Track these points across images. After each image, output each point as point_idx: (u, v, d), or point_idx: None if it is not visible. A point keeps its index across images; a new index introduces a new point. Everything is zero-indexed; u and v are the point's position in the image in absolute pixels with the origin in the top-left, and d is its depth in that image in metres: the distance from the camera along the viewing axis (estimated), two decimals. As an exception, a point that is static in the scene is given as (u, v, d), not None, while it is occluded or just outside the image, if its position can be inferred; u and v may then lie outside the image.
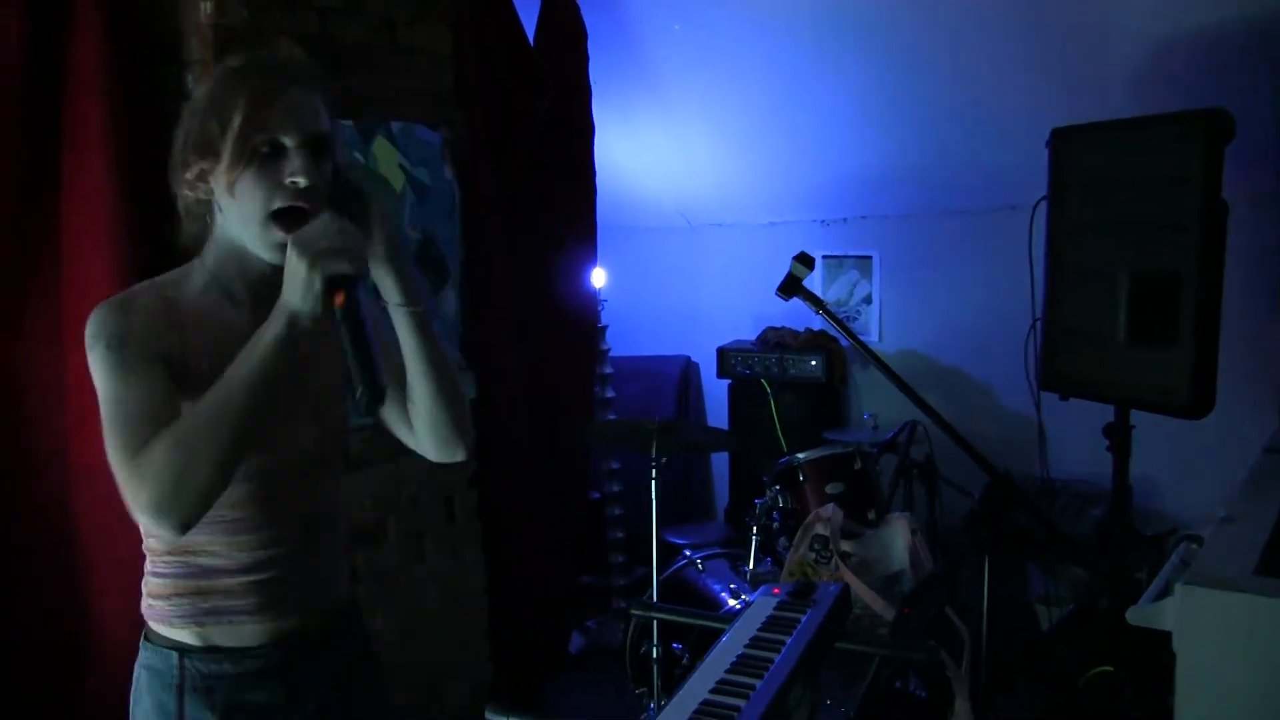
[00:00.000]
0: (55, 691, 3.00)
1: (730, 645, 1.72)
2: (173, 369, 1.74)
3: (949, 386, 5.14)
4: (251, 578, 1.87)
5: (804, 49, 4.59)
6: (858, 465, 4.14)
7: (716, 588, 4.05)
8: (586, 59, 4.48)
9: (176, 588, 1.86)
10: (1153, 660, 2.82)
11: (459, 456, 2.02)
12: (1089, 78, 4.13)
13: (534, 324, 4.38)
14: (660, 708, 1.56)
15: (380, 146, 3.38)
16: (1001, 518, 2.57)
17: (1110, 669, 3.22)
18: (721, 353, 5.57)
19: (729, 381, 5.63)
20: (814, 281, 5.34)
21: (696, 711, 1.49)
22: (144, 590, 1.91)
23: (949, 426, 2.64)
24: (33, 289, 2.89)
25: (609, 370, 5.48)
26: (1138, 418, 3.62)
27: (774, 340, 5.49)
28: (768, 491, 4.19)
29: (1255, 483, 2.79)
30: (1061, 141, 3.62)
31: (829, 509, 3.76)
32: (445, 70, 3.68)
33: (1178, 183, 3.25)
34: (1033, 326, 4.01)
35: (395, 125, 3.44)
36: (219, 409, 1.64)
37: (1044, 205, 3.70)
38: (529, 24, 4.24)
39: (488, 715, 1.78)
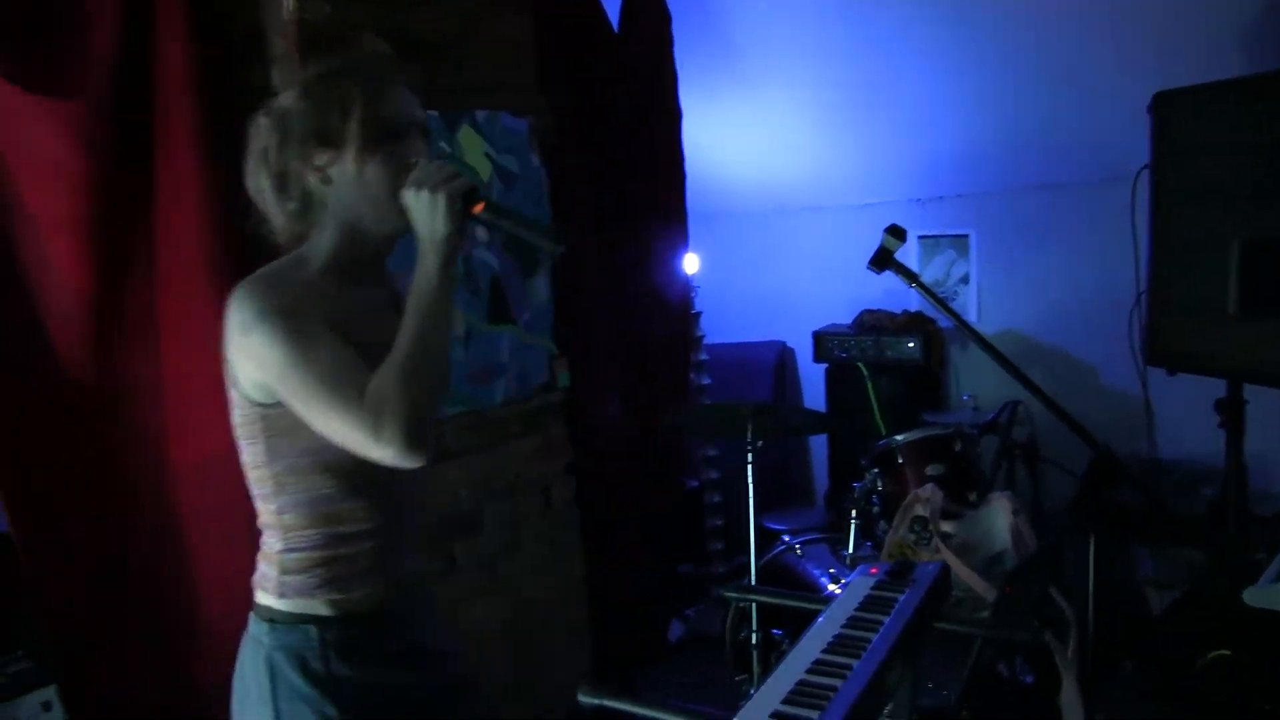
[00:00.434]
0: (171, 681, 3.07)
1: (827, 626, 1.70)
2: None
3: (1051, 366, 5.03)
4: (372, 544, 1.98)
5: (895, 23, 4.52)
6: (958, 447, 4.06)
7: (816, 572, 4.00)
8: (671, 43, 4.45)
9: (316, 559, 1.95)
10: (1273, 644, 2.73)
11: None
12: (1195, 37, 3.98)
13: (626, 311, 4.37)
14: (758, 692, 1.54)
15: (466, 135, 3.39)
16: (1105, 495, 2.49)
17: (1228, 653, 3.12)
18: (817, 337, 5.51)
19: (825, 366, 5.57)
20: (910, 263, 5.26)
21: (792, 692, 1.48)
22: (272, 572, 1.97)
23: (1047, 398, 2.56)
24: (128, 289, 2.95)
25: (704, 357, 5.46)
26: (1251, 392, 3.50)
27: (870, 323, 5.42)
28: (866, 475, 4.13)
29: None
30: (1165, 105, 3.51)
31: (928, 489, 3.69)
32: (529, 59, 3.68)
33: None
34: (1137, 301, 3.90)
35: (480, 114, 3.44)
36: (421, 343, 1.79)
37: (1146, 174, 3.58)
38: (612, 10, 4.22)
39: (580, 698, 1.76)
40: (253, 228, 2.02)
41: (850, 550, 3.97)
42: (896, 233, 2.65)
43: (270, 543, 1.99)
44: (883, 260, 2.64)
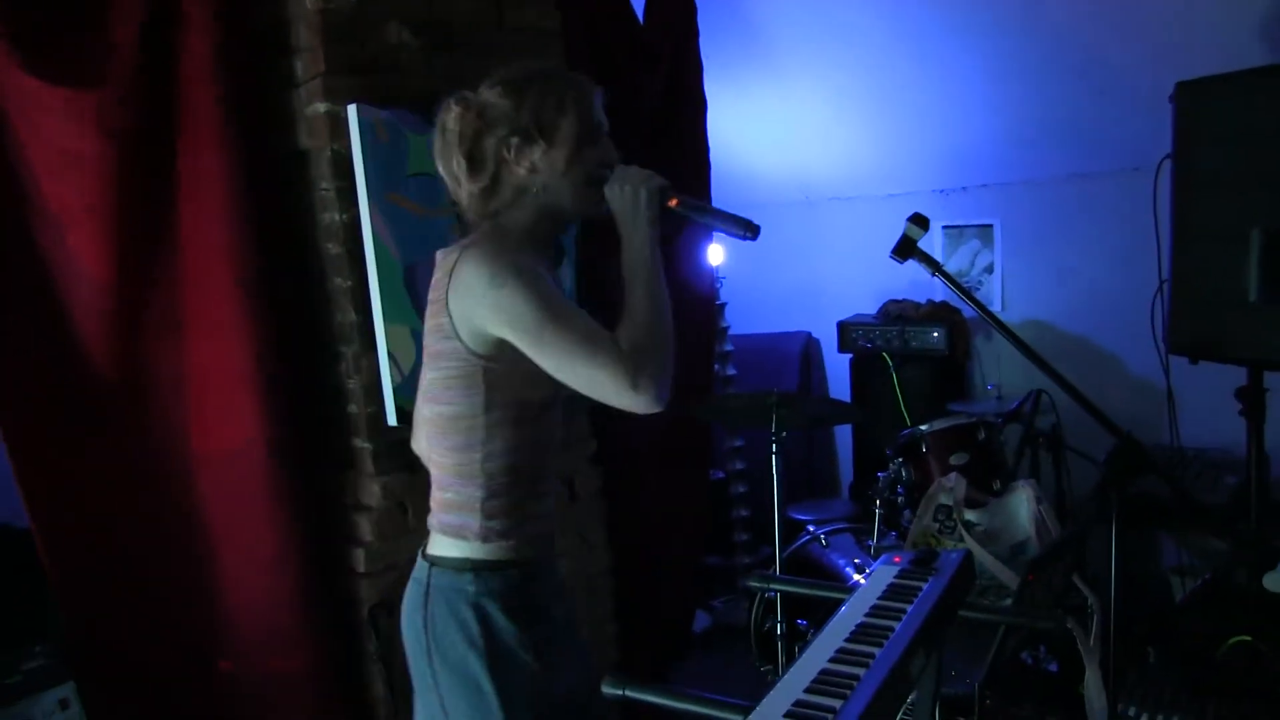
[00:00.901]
0: (192, 673, 3.09)
1: (850, 614, 1.71)
2: None
3: (1075, 355, 5.02)
4: (550, 492, 2.26)
5: (920, 14, 4.51)
6: (981, 436, 4.07)
7: (841, 562, 4.03)
8: (697, 34, 4.45)
9: (517, 505, 2.17)
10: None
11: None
12: (1216, 27, 3.98)
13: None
14: (783, 681, 1.56)
15: (490, 127, 3.39)
16: (1128, 482, 2.50)
17: (1249, 638, 3.13)
18: (842, 327, 5.52)
19: (850, 356, 5.58)
20: (935, 253, 5.26)
21: (816, 681, 1.48)
22: (474, 521, 2.14)
23: (1070, 386, 2.57)
24: (152, 282, 2.96)
25: (729, 348, 5.48)
26: (1273, 380, 3.50)
27: (895, 313, 5.43)
28: (891, 464, 4.15)
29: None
30: (1186, 95, 3.51)
31: (952, 478, 3.70)
32: (554, 49, 3.67)
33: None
34: (1159, 290, 3.89)
35: (505, 105, 3.44)
36: (658, 305, 2.08)
37: (1168, 164, 3.58)
38: (638, 2, 4.23)
39: (603, 689, 1.79)
40: (450, 206, 2.30)
41: (875, 540, 4.00)
42: (920, 221, 2.65)
43: (470, 492, 2.14)
44: (906, 249, 2.65)
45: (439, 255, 2.17)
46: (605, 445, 3.90)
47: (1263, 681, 2.93)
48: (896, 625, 1.64)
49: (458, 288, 2.05)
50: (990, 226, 5.37)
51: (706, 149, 4.56)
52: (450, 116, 2.16)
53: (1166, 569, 4.32)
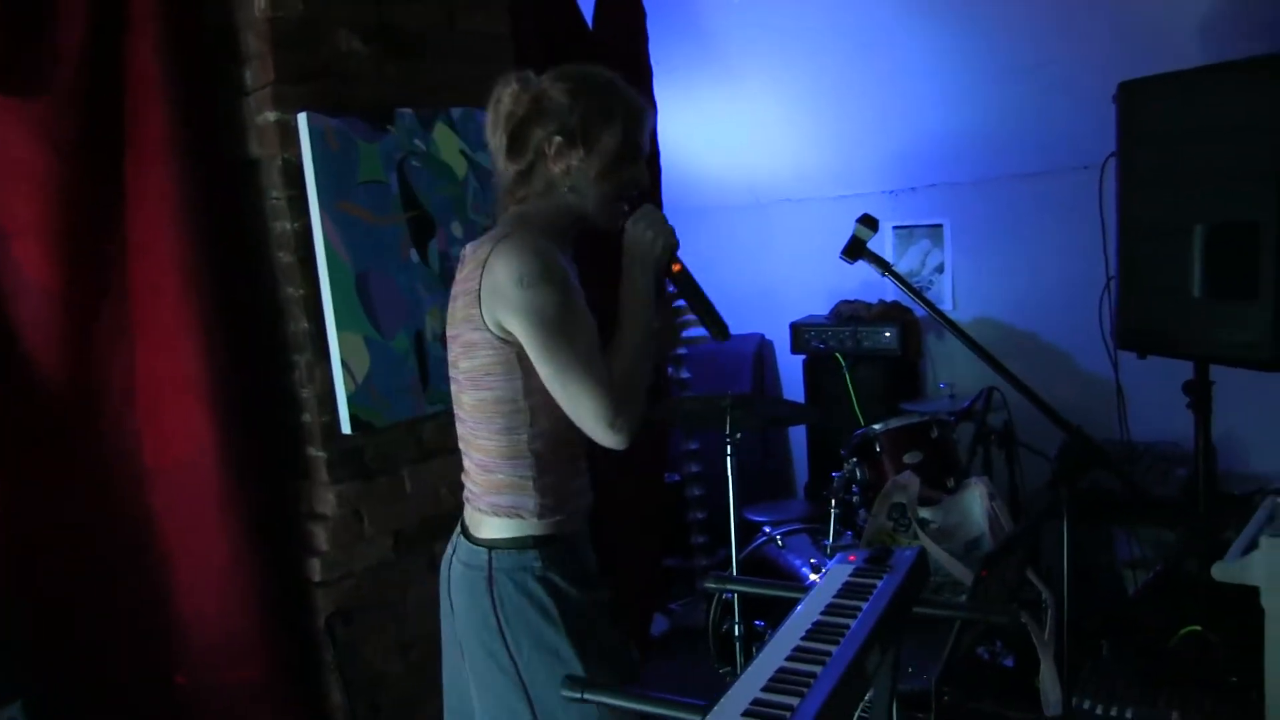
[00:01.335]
0: (147, 686, 3.05)
1: (806, 613, 1.72)
2: None
3: (1025, 352, 5.06)
4: (587, 468, 2.36)
5: (867, 19, 4.54)
6: (934, 434, 4.11)
7: (797, 563, 4.05)
8: (646, 39, 4.47)
9: (564, 481, 2.27)
10: (1242, 618, 2.78)
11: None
12: (1157, 29, 4.04)
13: (602, 306, 4.38)
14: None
15: (441, 133, 3.39)
16: (1079, 476, 2.53)
17: (1199, 629, 3.17)
18: (795, 328, 5.54)
19: (804, 357, 5.60)
20: (886, 253, 5.29)
21: (773, 679, 1.49)
22: (530, 501, 2.23)
23: (1020, 383, 2.60)
24: (101, 291, 2.93)
25: (683, 351, 5.48)
26: (1219, 374, 3.55)
27: (847, 314, 5.45)
28: (845, 464, 4.17)
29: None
30: (1129, 95, 3.56)
31: (905, 476, 3.73)
32: (505, 55, 3.66)
33: (1254, 131, 3.18)
34: (1107, 286, 3.95)
35: (455, 111, 3.43)
36: (644, 350, 2.22)
37: (1113, 162, 3.63)
38: (586, 6, 4.24)
39: (563, 692, 1.80)
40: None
41: (831, 540, 4.01)
42: (869, 222, 2.68)
43: (522, 473, 2.22)
44: (855, 250, 2.68)
45: (468, 249, 2.25)
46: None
47: (1212, 671, 2.97)
48: (852, 623, 1.65)
49: (489, 281, 2.10)
50: (940, 226, 5.41)
51: (657, 152, 4.58)
52: (507, 93, 2.21)
53: (1119, 562, 4.37)
